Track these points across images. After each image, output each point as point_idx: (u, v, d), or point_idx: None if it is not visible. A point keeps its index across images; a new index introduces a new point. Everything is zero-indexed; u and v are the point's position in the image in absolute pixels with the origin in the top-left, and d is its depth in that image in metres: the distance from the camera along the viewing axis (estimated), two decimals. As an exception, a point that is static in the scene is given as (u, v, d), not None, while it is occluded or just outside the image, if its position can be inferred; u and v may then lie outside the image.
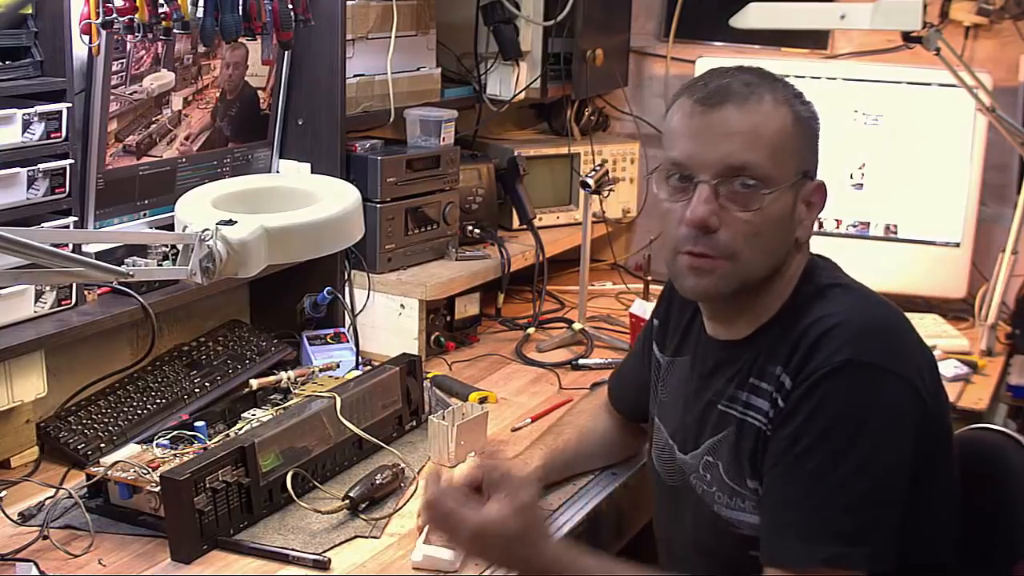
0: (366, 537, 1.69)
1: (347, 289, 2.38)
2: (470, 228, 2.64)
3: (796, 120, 1.44)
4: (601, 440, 1.91)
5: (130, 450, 1.78)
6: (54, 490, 1.75)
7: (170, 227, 1.80)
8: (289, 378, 1.98)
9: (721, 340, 1.54)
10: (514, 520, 1.40)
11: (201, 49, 2.11)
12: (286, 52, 2.27)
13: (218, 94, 2.20)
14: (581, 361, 2.44)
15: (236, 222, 1.50)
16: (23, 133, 1.79)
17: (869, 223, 2.72)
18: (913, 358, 1.42)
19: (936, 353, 2.35)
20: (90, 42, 1.84)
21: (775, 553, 1.38)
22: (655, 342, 1.72)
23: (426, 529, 1.65)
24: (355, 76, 2.38)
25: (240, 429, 1.83)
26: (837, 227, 2.72)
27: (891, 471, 1.36)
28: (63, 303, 1.91)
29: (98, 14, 1.82)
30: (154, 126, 2.07)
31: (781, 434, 1.40)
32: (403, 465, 1.87)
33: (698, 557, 1.58)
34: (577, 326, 2.58)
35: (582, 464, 1.91)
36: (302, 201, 1.65)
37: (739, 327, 1.51)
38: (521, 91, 2.80)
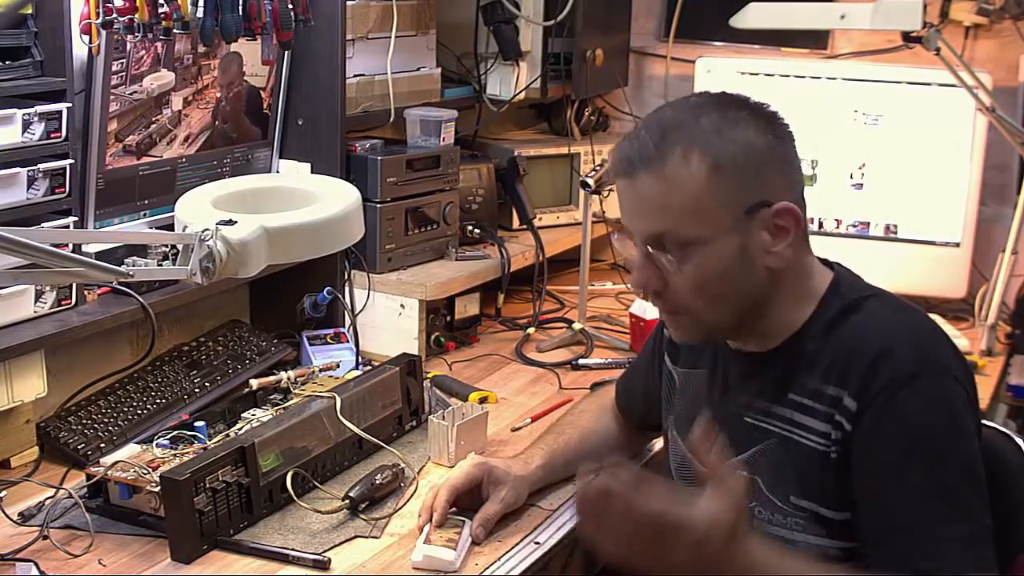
0: (366, 537, 1.69)
1: (347, 289, 2.38)
2: (470, 228, 2.64)
3: (713, 168, 1.38)
4: (602, 441, 1.91)
5: (130, 450, 1.77)
6: (54, 490, 1.75)
7: (170, 227, 1.80)
8: (289, 378, 1.98)
9: (744, 352, 1.53)
10: (729, 516, 1.27)
11: (201, 49, 2.11)
12: (286, 52, 2.27)
13: (219, 94, 2.20)
14: (581, 361, 2.44)
15: (236, 222, 1.50)
16: (23, 133, 1.79)
17: (869, 223, 2.72)
18: (957, 360, 1.45)
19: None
20: (90, 42, 1.84)
21: (917, 557, 1.36)
22: (667, 354, 1.71)
23: (426, 529, 1.66)
24: (355, 76, 2.38)
25: (240, 429, 1.83)
26: (837, 227, 2.72)
27: (976, 461, 1.39)
28: (63, 303, 1.91)
29: (98, 14, 1.82)
30: (154, 126, 2.07)
31: (867, 459, 1.39)
32: (403, 465, 1.87)
33: None
34: (577, 326, 2.58)
35: (582, 464, 1.90)
36: (302, 201, 1.65)
37: (760, 341, 1.50)
38: (521, 91, 2.80)
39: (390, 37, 2.44)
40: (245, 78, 2.25)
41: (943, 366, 1.41)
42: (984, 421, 1.95)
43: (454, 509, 1.71)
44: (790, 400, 1.46)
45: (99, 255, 1.91)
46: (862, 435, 1.40)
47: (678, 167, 1.39)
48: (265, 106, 2.32)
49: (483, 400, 2.17)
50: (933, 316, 2.58)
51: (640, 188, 1.41)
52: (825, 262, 1.55)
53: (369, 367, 2.17)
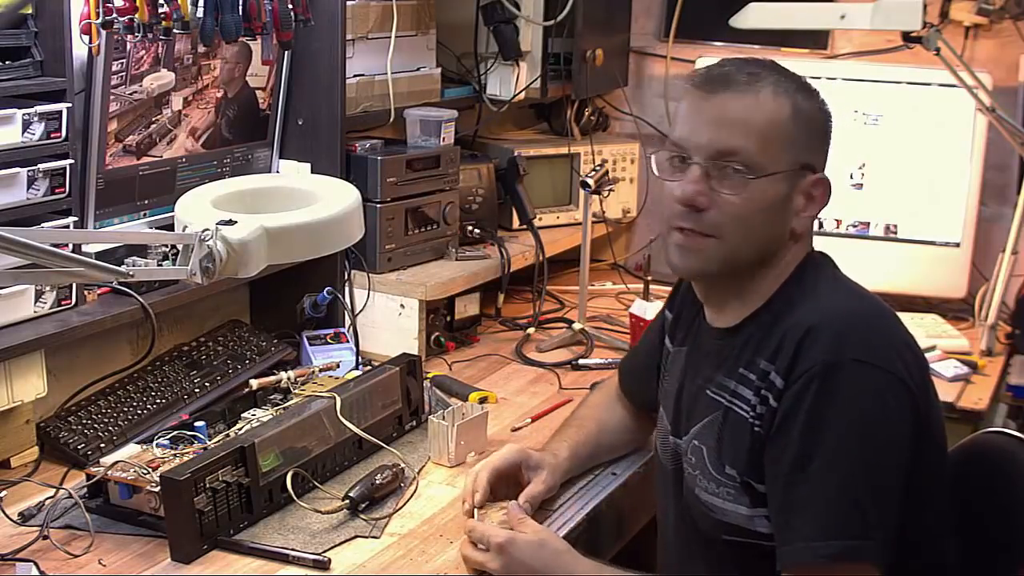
0: (366, 537, 1.69)
1: (347, 289, 2.38)
2: (470, 228, 2.64)
3: (794, 112, 1.47)
4: (618, 430, 1.95)
5: (130, 450, 1.78)
6: (54, 490, 1.74)
7: (170, 227, 1.80)
8: (289, 378, 1.98)
9: (716, 328, 1.58)
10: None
11: (201, 49, 2.11)
12: (286, 52, 2.27)
13: (219, 94, 2.20)
14: (581, 361, 2.44)
15: (236, 222, 1.50)
16: (23, 133, 1.79)
17: (869, 223, 2.72)
18: (899, 353, 1.43)
19: (936, 353, 2.38)
20: (90, 42, 1.84)
21: (788, 556, 1.40)
22: (668, 334, 1.75)
23: (476, 514, 1.68)
24: (355, 76, 2.38)
25: (240, 429, 1.82)
26: (837, 227, 2.73)
27: (888, 465, 1.38)
28: (63, 303, 1.91)
29: (98, 14, 1.82)
30: (154, 126, 2.07)
31: (779, 438, 1.42)
32: (403, 465, 1.87)
33: (678, 539, 1.64)
34: (577, 326, 2.58)
35: (604, 455, 1.94)
36: (302, 201, 1.65)
37: (730, 314, 1.55)
38: (521, 91, 2.80)
39: (390, 37, 2.44)
40: (246, 78, 2.25)
41: (869, 359, 1.39)
42: (989, 426, 1.96)
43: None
44: (738, 373, 1.50)
45: (99, 255, 1.91)
46: (777, 415, 1.42)
47: (768, 96, 1.47)
48: (265, 106, 2.32)
49: (483, 400, 2.17)
50: (933, 316, 2.62)
51: (724, 103, 1.47)
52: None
53: (369, 367, 2.17)
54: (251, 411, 1.91)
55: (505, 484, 1.75)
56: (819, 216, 1.54)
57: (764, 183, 1.45)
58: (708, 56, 2.86)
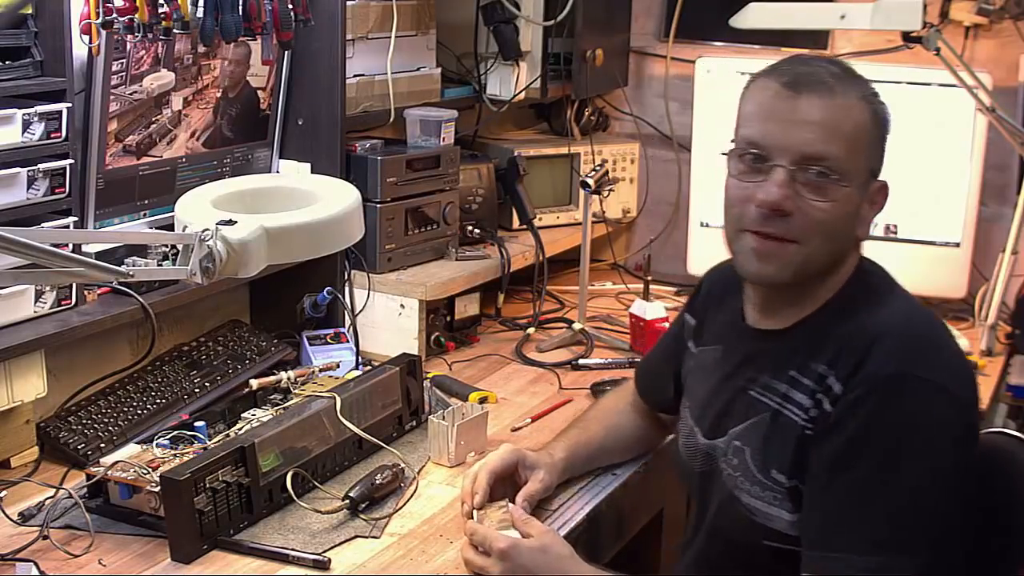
0: (366, 537, 1.69)
1: (347, 289, 2.38)
2: (470, 228, 2.64)
3: (874, 119, 1.46)
4: (625, 435, 1.94)
5: (130, 450, 1.78)
6: (54, 490, 1.75)
7: (170, 227, 1.80)
8: (289, 378, 1.98)
9: (760, 329, 1.56)
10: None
11: (201, 49, 2.11)
12: (286, 52, 2.27)
13: (219, 94, 2.20)
14: (581, 361, 2.44)
15: (236, 222, 1.50)
16: (23, 133, 1.79)
17: (869, 223, 2.71)
18: (958, 371, 1.43)
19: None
20: (90, 42, 1.84)
21: (819, 562, 1.39)
22: (690, 337, 1.74)
23: (476, 515, 1.67)
24: (355, 76, 2.38)
25: (240, 429, 1.83)
26: (837, 227, 2.72)
27: (937, 482, 1.37)
28: (63, 303, 1.91)
29: (98, 14, 1.82)
30: (154, 126, 2.07)
31: (829, 442, 1.41)
32: (403, 465, 1.87)
33: (711, 540, 1.61)
34: (577, 326, 2.58)
35: (607, 458, 1.93)
36: (302, 201, 1.65)
37: (783, 317, 1.53)
38: (521, 91, 2.80)
39: (390, 37, 2.44)
40: (247, 78, 2.25)
41: (932, 377, 1.38)
42: (992, 427, 1.95)
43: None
44: (788, 376, 1.48)
45: (99, 255, 1.92)
46: (830, 420, 1.41)
47: (854, 102, 1.44)
48: (265, 106, 2.32)
49: (483, 400, 2.17)
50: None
51: (812, 106, 1.42)
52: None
53: (369, 367, 2.17)
54: (251, 411, 1.91)
55: (502, 484, 1.75)
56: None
57: (847, 191, 1.43)
58: (708, 56, 2.87)
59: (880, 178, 1.51)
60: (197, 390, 2.07)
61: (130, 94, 1.99)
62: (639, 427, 1.95)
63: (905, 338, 1.42)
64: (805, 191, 1.43)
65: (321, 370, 2.06)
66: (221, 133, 2.24)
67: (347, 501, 1.73)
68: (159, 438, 1.78)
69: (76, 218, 1.90)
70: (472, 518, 1.68)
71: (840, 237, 1.47)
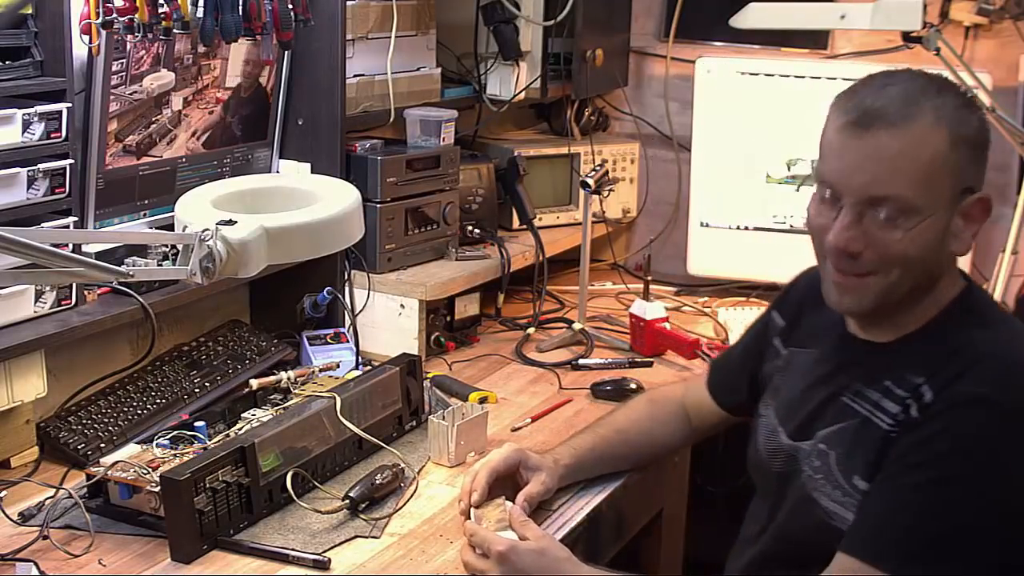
0: (366, 537, 1.69)
1: (347, 289, 2.38)
2: (470, 228, 2.64)
3: (954, 141, 1.39)
4: (637, 445, 1.92)
5: (130, 450, 1.78)
6: (54, 490, 1.75)
7: (170, 227, 1.80)
8: (289, 378, 1.98)
9: (862, 339, 1.55)
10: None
11: (201, 49, 2.11)
12: (286, 52, 2.27)
13: (228, 94, 2.20)
14: (581, 361, 2.44)
15: (236, 222, 1.50)
16: (23, 133, 1.79)
17: (869, 223, 2.71)
18: None
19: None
20: (90, 42, 1.84)
21: (854, 544, 1.40)
22: (778, 336, 1.73)
23: (473, 514, 1.67)
24: (355, 76, 2.38)
25: (240, 429, 1.83)
26: (837, 227, 2.72)
27: (993, 514, 1.35)
28: (63, 303, 1.91)
29: (98, 14, 1.82)
30: (154, 126, 2.07)
31: (903, 441, 1.41)
32: (403, 465, 1.87)
33: (778, 541, 1.59)
34: (577, 326, 2.58)
35: (611, 466, 1.91)
36: (302, 201, 1.65)
37: (885, 331, 1.51)
38: (521, 91, 2.80)
39: (390, 37, 2.44)
40: (259, 77, 2.26)
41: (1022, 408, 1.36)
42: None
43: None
44: (883, 386, 1.47)
45: (99, 255, 1.91)
46: (913, 423, 1.41)
47: (926, 132, 1.38)
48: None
49: (483, 400, 2.17)
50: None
51: (878, 144, 1.38)
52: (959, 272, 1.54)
53: (369, 367, 2.17)
54: (251, 411, 1.91)
55: (503, 484, 1.75)
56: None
57: (924, 222, 1.39)
58: (708, 56, 2.87)
59: (980, 192, 1.44)
60: (197, 390, 2.07)
61: (130, 94, 1.99)
62: (657, 440, 1.93)
63: (1009, 364, 1.40)
64: (874, 228, 1.41)
65: (321, 370, 2.06)
66: (231, 132, 2.24)
67: (347, 501, 1.73)
68: (159, 438, 1.79)
69: (76, 218, 1.90)
70: (470, 516, 1.68)
71: (924, 262, 1.43)
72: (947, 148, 1.38)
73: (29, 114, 1.79)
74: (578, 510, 1.82)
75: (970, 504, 1.34)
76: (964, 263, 2.65)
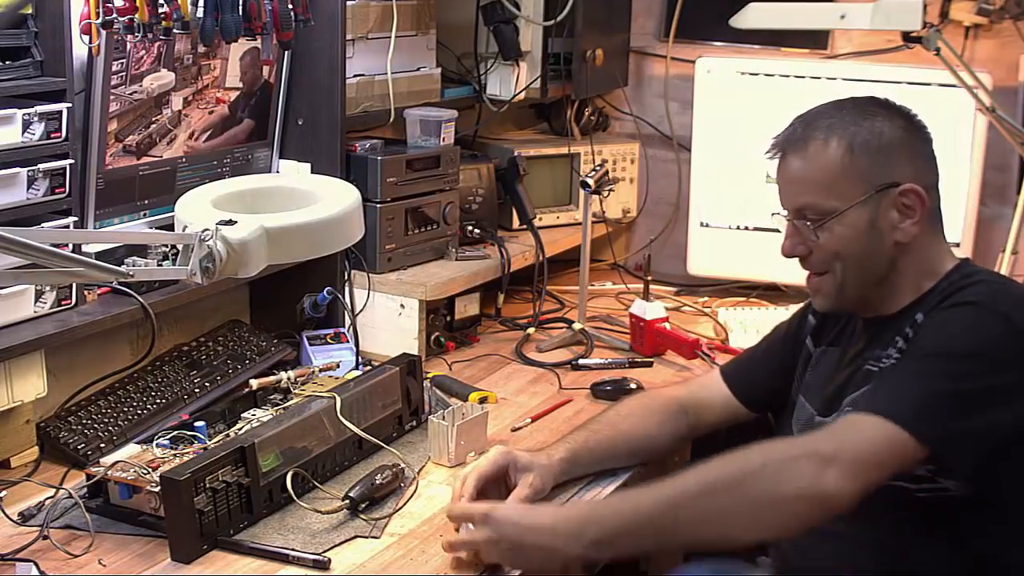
0: (366, 537, 1.69)
1: (347, 289, 2.38)
2: (470, 228, 2.64)
3: (850, 148, 1.65)
4: (635, 441, 1.92)
5: (130, 450, 1.78)
6: (54, 490, 1.75)
7: (170, 227, 1.80)
8: (289, 378, 1.98)
9: (870, 318, 1.73)
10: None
11: (201, 49, 2.11)
12: (286, 52, 2.27)
13: (236, 94, 2.21)
14: (581, 361, 2.44)
15: (236, 222, 1.50)
16: (23, 133, 1.79)
17: (869, 223, 2.71)
18: None
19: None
20: (90, 42, 1.84)
21: (867, 405, 1.55)
22: (810, 336, 1.88)
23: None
24: (355, 76, 2.38)
25: (240, 429, 1.83)
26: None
27: (978, 392, 1.52)
28: (63, 303, 1.91)
29: (98, 14, 1.82)
30: (154, 126, 2.07)
31: (906, 349, 1.62)
32: (403, 465, 1.87)
33: None
34: (577, 326, 2.58)
35: (609, 463, 1.91)
36: (302, 201, 1.65)
37: (884, 308, 1.70)
38: (521, 91, 2.80)
39: (390, 37, 2.44)
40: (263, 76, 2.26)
41: (1008, 312, 1.55)
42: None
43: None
44: (891, 340, 1.66)
45: (99, 255, 1.92)
46: (916, 334, 1.62)
47: (819, 148, 1.67)
48: (265, 106, 2.32)
49: (483, 400, 2.17)
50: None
51: (788, 167, 1.71)
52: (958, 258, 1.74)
53: (369, 367, 2.17)
54: (251, 411, 1.91)
55: (496, 487, 1.74)
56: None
57: (840, 220, 1.65)
58: (708, 56, 2.87)
59: (906, 184, 1.66)
60: (197, 390, 2.07)
61: (130, 94, 1.99)
62: (652, 435, 1.93)
63: (997, 287, 1.62)
64: (808, 233, 1.68)
65: (321, 370, 2.06)
66: (231, 131, 2.24)
67: (347, 501, 1.73)
68: (159, 438, 1.78)
69: (76, 218, 1.90)
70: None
71: (866, 254, 1.66)
72: (841, 157, 1.65)
73: (29, 114, 1.79)
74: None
75: (970, 379, 1.52)
76: (964, 263, 2.65)
